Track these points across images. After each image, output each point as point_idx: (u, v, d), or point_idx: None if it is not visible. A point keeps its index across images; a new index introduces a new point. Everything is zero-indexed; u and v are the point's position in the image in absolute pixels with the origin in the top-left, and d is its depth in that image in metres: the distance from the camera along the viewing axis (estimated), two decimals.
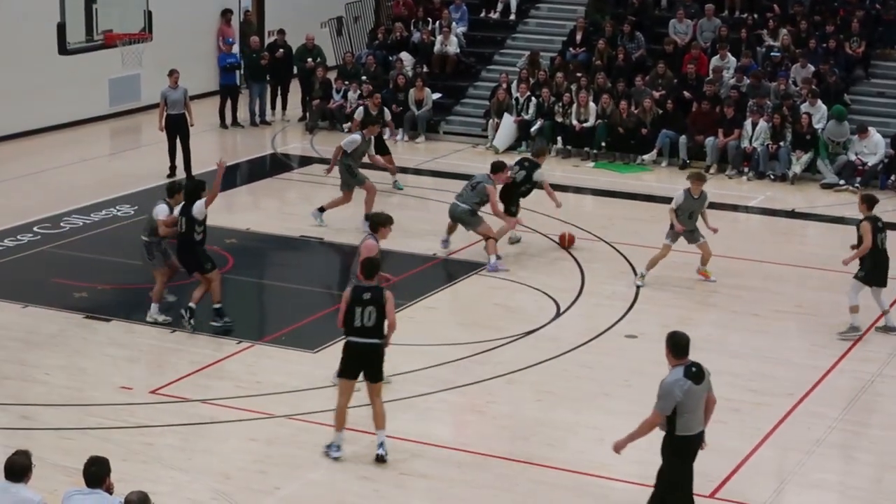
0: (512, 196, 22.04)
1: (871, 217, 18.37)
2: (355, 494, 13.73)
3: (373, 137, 23.64)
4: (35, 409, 15.54)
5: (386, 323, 14.31)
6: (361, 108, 28.24)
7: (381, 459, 14.32)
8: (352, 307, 14.21)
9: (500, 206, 21.57)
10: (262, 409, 15.65)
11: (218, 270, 18.45)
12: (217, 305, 18.20)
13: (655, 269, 20.69)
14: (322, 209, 22.96)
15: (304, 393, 16.17)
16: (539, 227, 22.98)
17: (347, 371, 14.43)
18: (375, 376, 14.39)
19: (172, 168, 25.97)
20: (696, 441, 12.40)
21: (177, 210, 18.09)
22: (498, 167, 21.65)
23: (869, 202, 18.54)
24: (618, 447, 12.72)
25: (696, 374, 12.26)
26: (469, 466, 14.42)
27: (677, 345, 12.35)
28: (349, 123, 30.51)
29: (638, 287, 19.81)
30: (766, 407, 16.03)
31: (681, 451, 12.35)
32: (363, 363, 14.33)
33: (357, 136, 23.16)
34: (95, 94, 30.80)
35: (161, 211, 18.24)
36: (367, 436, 14.91)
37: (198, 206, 17.96)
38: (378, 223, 16.57)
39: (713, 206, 24.58)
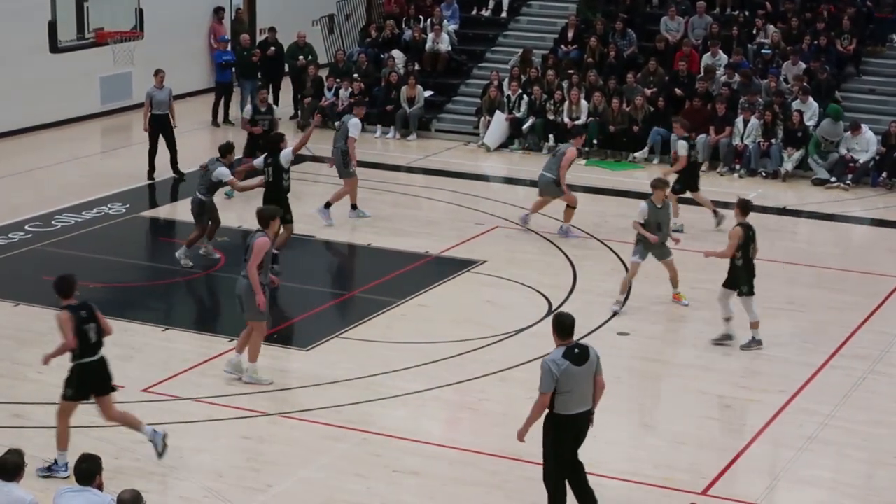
0: (694, 176, 23.06)
1: (744, 224, 17.77)
2: (347, 492, 13.73)
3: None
4: (27, 408, 15.53)
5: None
6: (250, 107, 26.20)
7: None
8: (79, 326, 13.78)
9: (566, 173, 22.19)
10: (255, 407, 15.64)
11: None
12: (275, 252, 18.62)
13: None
14: (329, 204, 23.02)
15: (296, 390, 16.18)
16: (530, 223, 22.98)
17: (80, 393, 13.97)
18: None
19: (151, 170, 25.79)
20: (576, 421, 12.59)
21: (259, 161, 20.31)
22: (578, 131, 23.19)
23: (744, 208, 17.90)
24: (520, 435, 12.88)
25: (578, 355, 12.47)
26: (461, 464, 14.43)
27: (561, 325, 12.66)
28: (338, 122, 30.52)
29: (614, 313, 19.16)
30: (757, 404, 16.05)
31: (556, 428, 12.60)
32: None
33: (357, 120, 23.19)
34: (87, 92, 30.77)
35: (223, 173, 19.95)
36: (358, 433, 14.93)
37: (284, 154, 19.88)
38: (266, 217, 16.37)
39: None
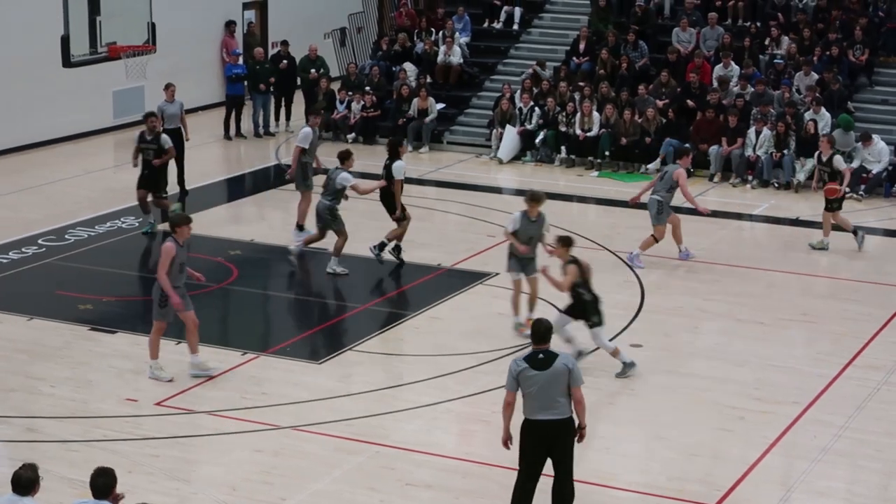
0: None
1: (574, 260, 17.20)
2: None
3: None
4: (40, 422, 15.54)
5: None
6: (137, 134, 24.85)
7: None
8: None
9: (690, 190, 21.71)
10: (268, 421, 15.64)
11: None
12: (386, 241, 21.10)
13: (655, 276, 20.73)
14: (300, 227, 22.61)
15: (309, 404, 16.16)
16: None
17: None
18: None
19: (164, 184, 25.75)
20: (539, 427, 12.58)
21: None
22: (683, 152, 22.49)
23: (566, 244, 17.39)
24: (504, 441, 12.96)
25: (540, 360, 12.57)
26: (475, 476, 14.41)
27: (534, 332, 12.81)
28: (352, 133, 30.62)
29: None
30: (771, 415, 16.01)
31: (521, 432, 12.71)
32: None
33: (308, 129, 22.76)
34: (100, 107, 30.85)
35: (345, 178, 20.74)
36: (371, 446, 14.93)
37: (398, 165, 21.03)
38: (175, 223, 16.72)
39: (718, 214, 24.72)
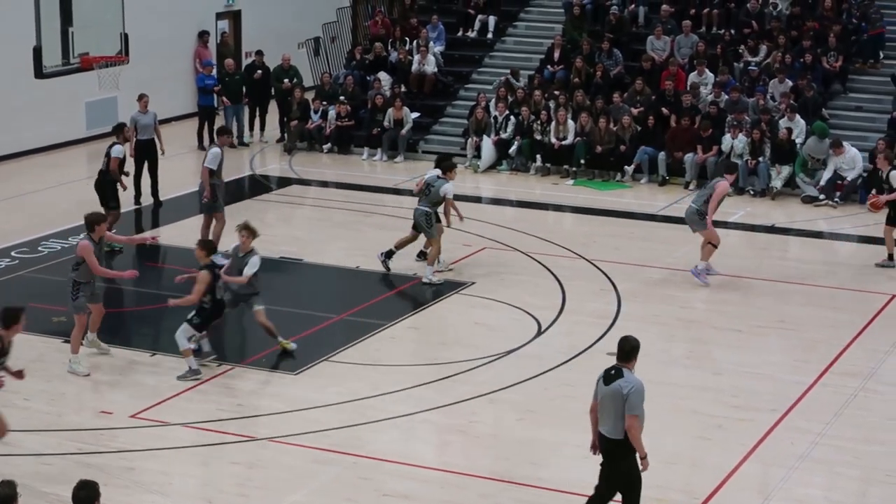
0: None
1: (209, 265, 17.37)
2: None
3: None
4: (15, 435, 15.39)
5: None
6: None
7: None
8: None
9: (715, 207, 21.38)
10: (244, 432, 15.55)
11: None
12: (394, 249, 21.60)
13: (631, 284, 20.73)
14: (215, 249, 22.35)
15: (286, 415, 16.08)
16: (518, 244, 22.93)
17: None
18: None
19: (138, 195, 25.68)
20: (601, 439, 12.69)
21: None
22: (733, 167, 22.30)
23: (207, 248, 17.49)
24: (590, 447, 13.00)
25: (610, 376, 12.63)
26: (452, 486, 14.35)
27: (618, 348, 12.81)
28: (328, 144, 30.54)
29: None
30: (749, 422, 15.99)
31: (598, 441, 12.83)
32: None
33: (217, 150, 22.33)
34: (72, 118, 30.72)
35: (448, 189, 21.24)
36: (348, 457, 14.85)
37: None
38: (93, 222, 17.37)
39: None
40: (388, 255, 21.58)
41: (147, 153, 25.53)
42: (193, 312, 17.37)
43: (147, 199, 25.68)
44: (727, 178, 21.54)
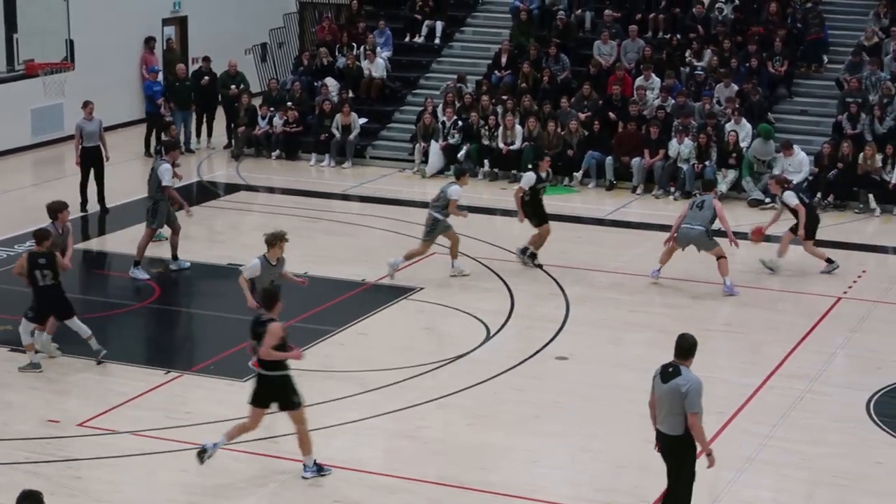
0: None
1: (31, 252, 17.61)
2: None
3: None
4: None
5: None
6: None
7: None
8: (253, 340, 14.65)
9: (728, 221, 21.63)
10: (193, 440, 15.47)
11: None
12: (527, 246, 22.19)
13: (579, 287, 20.80)
14: (175, 256, 22.18)
15: (235, 422, 15.98)
16: (467, 249, 22.95)
17: (255, 400, 14.61)
18: (287, 404, 14.49)
19: (84, 202, 25.56)
20: (658, 436, 12.90)
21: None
22: (711, 184, 22.45)
23: (40, 238, 17.56)
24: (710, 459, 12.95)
25: (668, 373, 12.81)
26: (402, 492, 14.34)
27: (676, 345, 13.01)
28: (277, 151, 30.46)
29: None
30: None
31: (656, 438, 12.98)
32: (268, 394, 14.50)
33: (167, 165, 21.90)
34: (17, 125, 30.50)
35: (455, 191, 21.34)
36: (298, 464, 14.80)
37: (526, 177, 22.19)
38: (55, 210, 18.25)
39: (641, 226, 24.84)
40: (524, 251, 22.29)
41: (93, 160, 25.37)
42: (28, 307, 17.54)
43: (93, 207, 25.51)
44: (713, 193, 21.91)
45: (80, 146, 25.27)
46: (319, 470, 14.59)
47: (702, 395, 12.64)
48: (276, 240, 17.11)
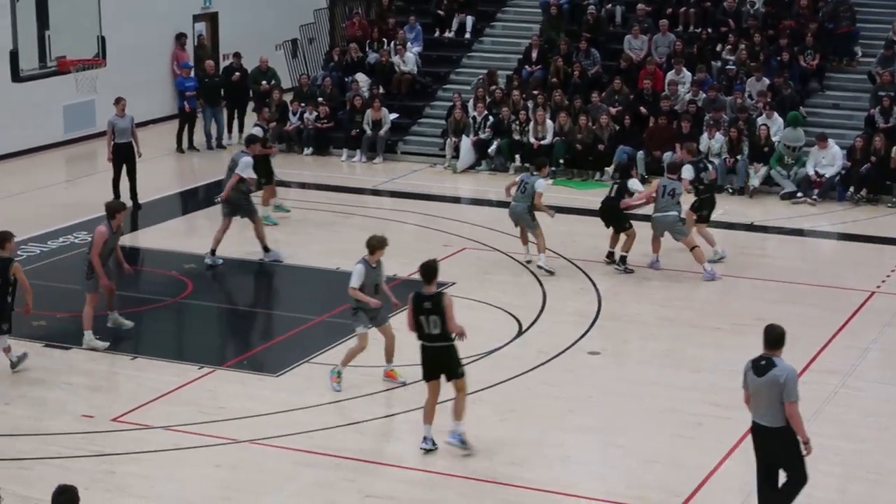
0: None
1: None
2: None
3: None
4: None
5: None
6: (258, 127, 25.80)
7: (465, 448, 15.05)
8: (416, 316, 14.84)
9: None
10: (225, 435, 15.54)
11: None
12: (623, 254, 21.81)
13: (610, 283, 20.79)
14: (213, 251, 22.27)
15: (267, 417, 16.07)
16: (498, 244, 22.96)
17: (428, 374, 15.01)
18: (453, 373, 14.93)
19: (116, 198, 25.61)
20: (758, 431, 12.86)
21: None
22: (676, 167, 22.34)
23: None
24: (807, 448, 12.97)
25: (761, 366, 12.79)
26: (435, 487, 14.36)
27: (765, 337, 13.02)
28: (310, 148, 30.50)
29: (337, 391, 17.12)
30: (729, 421, 15.98)
31: (752, 432, 13.03)
32: (440, 365, 14.91)
33: (249, 158, 22.34)
34: (50, 122, 30.66)
35: (542, 185, 21.62)
36: (330, 459, 14.85)
37: (632, 183, 22.09)
38: (114, 210, 18.42)
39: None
40: (622, 261, 21.88)
41: (125, 156, 25.47)
42: None
43: (125, 203, 25.58)
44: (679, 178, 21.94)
45: (112, 143, 25.37)
46: (462, 443, 14.96)
47: (797, 382, 12.70)
48: (381, 245, 16.96)
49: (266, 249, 22.29)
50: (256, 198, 23.39)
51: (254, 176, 22.62)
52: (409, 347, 16.16)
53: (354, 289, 16.71)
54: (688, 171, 22.16)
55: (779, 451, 12.87)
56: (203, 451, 15.19)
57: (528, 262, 22.00)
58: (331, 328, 19.32)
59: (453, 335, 14.85)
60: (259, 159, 23.27)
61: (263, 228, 22.41)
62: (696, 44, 30.65)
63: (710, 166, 23.06)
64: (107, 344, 18.29)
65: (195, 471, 14.75)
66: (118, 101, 25.49)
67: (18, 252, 22.59)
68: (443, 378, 14.98)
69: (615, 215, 21.98)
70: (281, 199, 25.38)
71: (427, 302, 14.78)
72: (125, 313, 19.24)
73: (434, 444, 15.03)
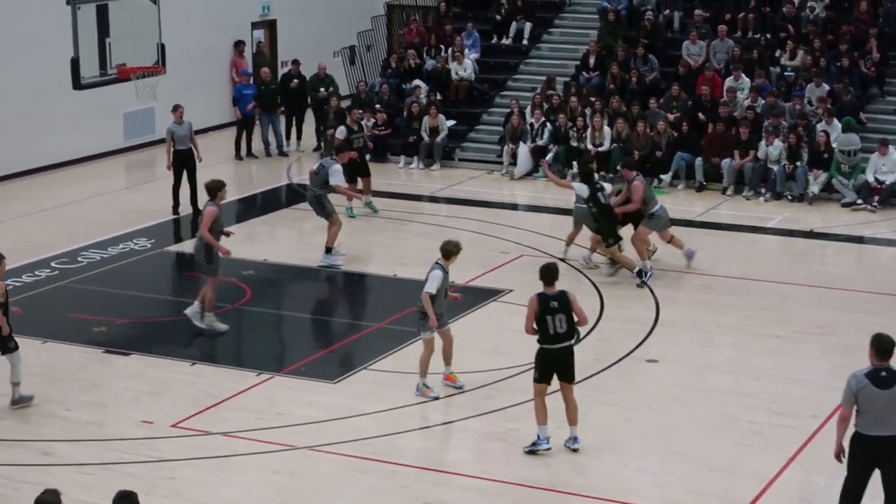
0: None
1: None
2: None
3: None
4: (56, 445, 15.51)
5: (577, 321, 15.19)
6: (343, 127, 26.67)
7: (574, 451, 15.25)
8: (542, 317, 14.93)
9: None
10: (284, 441, 15.59)
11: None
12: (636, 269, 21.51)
13: (669, 290, 20.74)
14: (329, 249, 22.68)
15: (325, 424, 16.11)
16: (556, 252, 22.92)
17: (544, 376, 15.17)
18: (571, 376, 15.22)
19: (176, 205, 25.86)
20: (874, 443, 12.54)
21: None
22: (628, 164, 22.62)
23: None
24: (836, 454, 12.88)
25: (882, 379, 12.49)
26: (493, 494, 14.35)
27: (877, 347, 12.66)
28: (368, 154, 30.59)
29: (435, 398, 16.98)
30: (789, 429, 15.92)
31: (851, 445, 12.67)
32: (559, 367, 15.09)
33: (338, 166, 22.75)
34: (110, 128, 30.88)
35: (583, 189, 21.84)
36: (387, 465, 14.87)
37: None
38: (214, 189, 19.32)
39: (731, 227, 24.71)
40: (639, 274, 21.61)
41: (185, 163, 25.65)
42: None
43: (185, 209, 25.77)
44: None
45: (171, 149, 25.54)
46: (574, 441, 15.30)
47: None
48: (458, 250, 17.16)
49: (328, 251, 22.43)
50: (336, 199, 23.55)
51: (344, 183, 22.98)
52: (461, 354, 16.15)
53: (430, 294, 16.73)
54: (581, 189, 22.01)
55: (892, 459, 12.57)
56: (261, 458, 15.25)
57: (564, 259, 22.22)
58: (388, 335, 19.35)
59: (578, 333, 15.36)
60: (353, 158, 24.65)
61: (338, 232, 22.58)
62: (754, 49, 30.49)
63: (607, 188, 22.72)
64: (226, 327, 19.32)
65: (253, 477, 14.81)
66: (176, 109, 25.66)
67: (80, 259, 22.87)
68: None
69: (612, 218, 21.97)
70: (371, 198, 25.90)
71: (553, 301, 14.98)
72: (184, 319, 19.33)
73: (549, 442, 15.20)
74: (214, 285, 19.29)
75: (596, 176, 22.86)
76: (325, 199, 22.64)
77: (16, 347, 16.55)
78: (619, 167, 23.11)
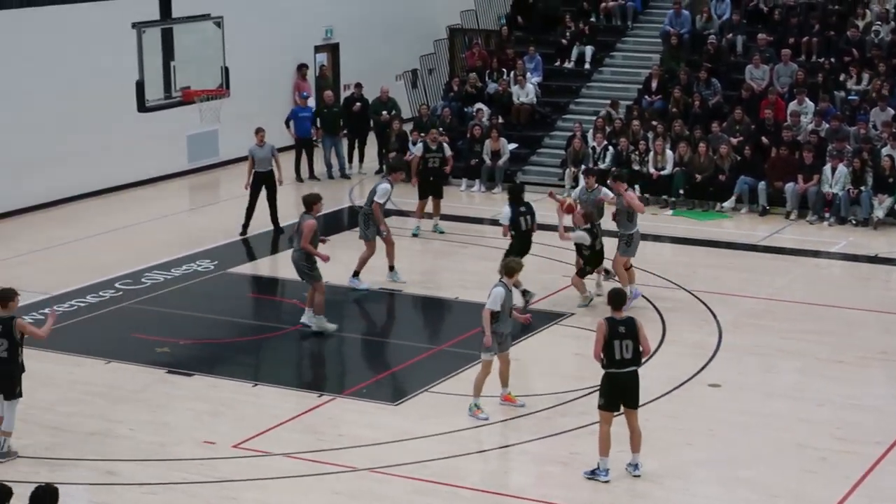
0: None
1: None
2: None
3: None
4: (119, 465, 15.60)
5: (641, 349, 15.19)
6: (420, 142, 27.38)
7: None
8: (610, 341, 14.97)
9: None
10: (344, 462, 15.61)
11: None
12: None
13: (731, 314, 20.61)
14: (356, 273, 22.67)
15: (386, 445, 16.12)
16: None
17: (610, 403, 15.16)
18: (635, 402, 15.21)
19: (246, 225, 26.04)
20: None
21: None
22: (619, 176, 22.54)
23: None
24: None
25: None
26: None
27: None
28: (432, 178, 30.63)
29: (485, 419, 16.92)
30: (854, 455, 15.78)
31: None
32: (624, 393, 15.10)
33: (387, 185, 22.79)
34: (174, 151, 31.09)
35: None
36: (448, 488, 14.85)
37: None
38: (311, 202, 20.47)
39: (795, 252, 24.54)
40: None
41: (265, 183, 25.98)
42: None
43: (256, 230, 25.88)
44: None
45: (251, 171, 25.86)
46: (636, 468, 15.29)
47: None
48: (520, 268, 17.40)
49: (355, 274, 22.71)
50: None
51: (384, 202, 22.84)
52: (521, 377, 16.09)
53: (492, 311, 16.80)
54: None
55: None
56: (322, 479, 15.28)
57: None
58: (450, 357, 19.35)
59: (643, 359, 15.26)
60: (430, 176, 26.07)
61: (368, 258, 22.72)
62: (818, 73, 30.31)
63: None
64: (335, 326, 20.17)
65: (314, 498, 14.83)
66: (258, 132, 26.15)
67: (143, 280, 23.02)
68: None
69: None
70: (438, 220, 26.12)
71: (621, 326, 15.00)
72: (246, 340, 19.43)
73: (608, 475, 15.13)
74: (321, 289, 20.16)
75: (524, 198, 22.24)
76: (372, 220, 22.64)
77: (20, 395, 15.77)
78: (608, 181, 22.90)
